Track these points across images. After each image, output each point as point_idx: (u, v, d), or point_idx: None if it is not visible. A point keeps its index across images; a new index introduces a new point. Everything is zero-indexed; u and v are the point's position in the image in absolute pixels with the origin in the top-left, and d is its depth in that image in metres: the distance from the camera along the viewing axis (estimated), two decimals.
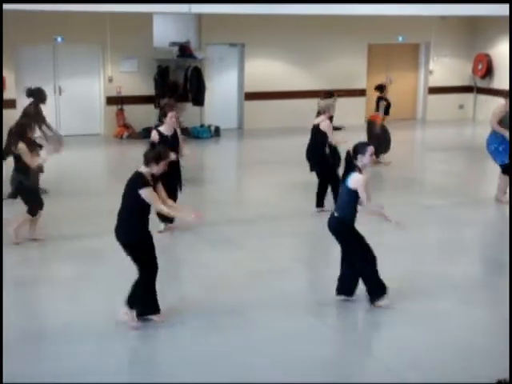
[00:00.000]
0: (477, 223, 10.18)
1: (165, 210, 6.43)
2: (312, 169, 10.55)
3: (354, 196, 6.77)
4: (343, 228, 6.92)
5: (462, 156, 15.27)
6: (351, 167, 6.82)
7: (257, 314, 6.85)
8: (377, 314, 7.02)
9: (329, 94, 11.72)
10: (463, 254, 8.77)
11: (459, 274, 7.99)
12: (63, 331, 6.40)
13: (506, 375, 5.63)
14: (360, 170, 6.79)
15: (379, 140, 13.21)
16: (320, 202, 10.39)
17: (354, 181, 6.74)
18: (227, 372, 5.77)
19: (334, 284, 7.21)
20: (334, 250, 8.41)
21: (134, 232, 6.41)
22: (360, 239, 6.95)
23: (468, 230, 9.90)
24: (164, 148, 6.74)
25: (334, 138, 10.33)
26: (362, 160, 6.78)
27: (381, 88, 13.82)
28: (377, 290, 7.02)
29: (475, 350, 6.22)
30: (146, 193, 6.24)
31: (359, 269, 7.00)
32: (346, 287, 7.12)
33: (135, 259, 6.43)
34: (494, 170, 11.44)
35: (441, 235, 9.56)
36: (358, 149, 6.82)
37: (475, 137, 17.92)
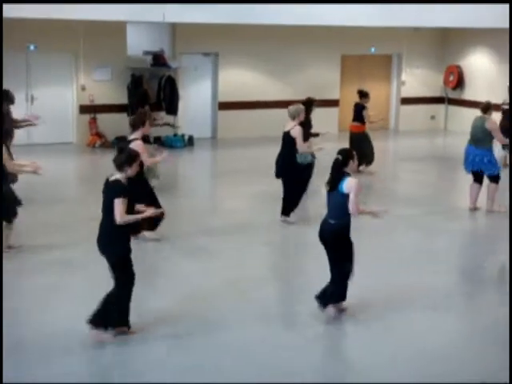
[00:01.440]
0: (448, 232, 10.27)
1: (131, 218, 6.34)
2: (278, 175, 10.42)
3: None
4: (342, 234, 6.93)
5: (433, 166, 15.42)
6: (340, 173, 6.84)
7: (232, 324, 6.84)
8: (349, 323, 7.06)
9: (308, 101, 11.73)
10: (435, 263, 8.82)
11: (430, 283, 8.05)
12: (33, 343, 6.33)
13: (475, 379, 5.69)
14: (349, 175, 6.86)
15: (362, 150, 13.29)
16: (285, 210, 10.33)
17: (351, 185, 6.76)
18: (201, 382, 5.75)
19: (308, 293, 7.23)
20: (309, 259, 8.45)
21: (120, 245, 6.32)
22: (351, 246, 7.00)
23: (440, 239, 9.97)
24: (131, 149, 6.69)
25: (311, 146, 10.33)
26: (352, 166, 6.88)
27: (366, 94, 13.71)
28: (337, 297, 7.06)
29: (445, 357, 6.27)
30: (118, 203, 6.17)
31: (335, 272, 6.99)
32: (323, 293, 7.14)
33: (117, 272, 6.33)
34: (465, 179, 11.56)
35: (413, 244, 9.61)
36: (351, 155, 6.89)
37: (447, 147, 18.15)
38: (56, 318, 6.85)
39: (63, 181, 13.13)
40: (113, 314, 6.36)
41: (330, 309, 7.04)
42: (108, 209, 6.24)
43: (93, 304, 6.39)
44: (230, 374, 5.91)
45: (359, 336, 6.83)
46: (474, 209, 11.17)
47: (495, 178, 10.99)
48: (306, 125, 10.79)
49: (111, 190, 6.26)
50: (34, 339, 6.41)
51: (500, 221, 10.64)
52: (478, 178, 11.09)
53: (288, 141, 10.14)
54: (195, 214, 10.94)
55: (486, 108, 11.07)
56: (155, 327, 6.69)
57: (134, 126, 9.04)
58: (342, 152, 6.97)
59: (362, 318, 7.04)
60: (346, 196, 6.79)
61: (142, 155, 8.82)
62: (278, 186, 10.80)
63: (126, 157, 6.32)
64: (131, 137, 9.00)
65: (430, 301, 7.54)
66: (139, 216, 6.44)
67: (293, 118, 10.19)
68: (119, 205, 6.15)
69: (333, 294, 7.05)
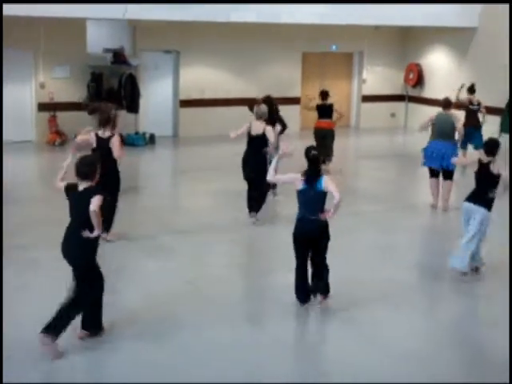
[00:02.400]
0: (409, 229, 10.37)
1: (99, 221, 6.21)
2: (249, 177, 10.31)
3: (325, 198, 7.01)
4: (327, 229, 7.08)
5: (394, 163, 15.56)
6: (319, 171, 6.98)
7: (195, 324, 6.81)
8: (312, 321, 7.10)
9: (269, 99, 11.76)
10: (396, 260, 8.90)
11: (392, 280, 8.11)
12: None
13: (441, 379, 5.75)
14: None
15: (328, 147, 13.51)
16: (257, 209, 10.31)
17: (330, 182, 6.95)
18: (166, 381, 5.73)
19: (272, 291, 7.24)
20: (272, 257, 8.45)
21: (89, 252, 6.21)
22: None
23: (401, 235, 10.06)
24: (93, 154, 6.58)
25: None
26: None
27: (327, 94, 13.73)
28: (328, 287, 7.24)
29: (410, 353, 6.32)
30: (97, 200, 6.02)
31: (325, 264, 7.19)
32: (314, 287, 7.27)
33: (85, 278, 6.21)
34: (425, 176, 11.69)
35: (373, 241, 9.68)
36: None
37: (407, 144, 18.32)
38: (20, 318, 6.76)
39: (22, 180, 12.94)
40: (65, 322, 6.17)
41: (328, 300, 7.21)
42: (78, 216, 6.10)
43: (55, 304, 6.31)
44: (192, 375, 5.88)
45: (322, 334, 6.86)
46: (437, 205, 11.29)
47: (450, 174, 11.16)
48: (274, 123, 10.84)
49: (83, 199, 6.07)
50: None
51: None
52: (435, 174, 11.26)
53: (259, 141, 10.06)
54: (157, 212, 10.87)
55: (449, 104, 11.27)
56: (118, 328, 6.63)
57: (107, 123, 8.99)
58: (315, 149, 7.13)
59: (324, 315, 7.07)
60: (325, 193, 6.95)
61: (119, 150, 8.86)
62: (239, 184, 10.80)
63: (89, 168, 6.17)
64: (106, 134, 8.97)
65: (391, 297, 7.59)
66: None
67: (260, 118, 10.14)
68: (97, 201, 6.01)
69: (327, 286, 7.22)
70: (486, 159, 8.06)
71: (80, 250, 6.18)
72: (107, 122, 9.02)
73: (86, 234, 6.07)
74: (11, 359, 5.92)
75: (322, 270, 7.22)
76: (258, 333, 6.75)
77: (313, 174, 6.98)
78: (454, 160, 9.91)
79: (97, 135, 9.01)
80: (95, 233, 6.09)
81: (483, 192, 8.05)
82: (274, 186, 11.11)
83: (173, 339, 6.48)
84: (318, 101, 13.77)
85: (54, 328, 6.04)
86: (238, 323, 6.88)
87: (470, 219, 8.11)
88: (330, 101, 13.69)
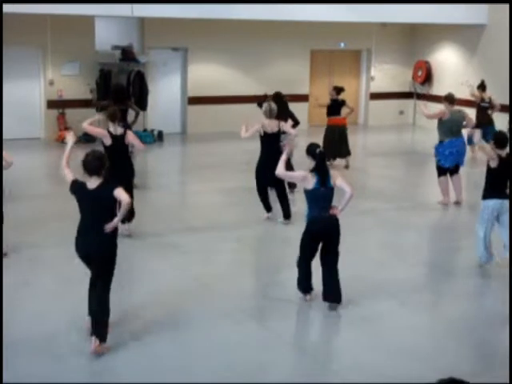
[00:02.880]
0: (417, 227, 10.34)
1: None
2: (271, 181, 9.68)
3: None
4: (339, 224, 7.09)
5: (402, 161, 15.52)
6: (327, 168, 7.01)
7: (201, 320, 6.82)
8: (317, 318, 7.10)
9: (279, 95, 11.81)
10: (403, 258, 8.89)
11: (399, 277, 8.11)
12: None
13: (445, 375, 5.74)
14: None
15: (346, 143, 13.89)
16: (286, 212, 10.10)
17: (338, 177, 7.01)
18: (172, 379, 5.74)
19: (279, 289, 7.23)
20: (279, 255, 8.46)
21: (115, 243, 6.22)
22: None
23: (408, 233, 10.03)
24: (98, 152, 6.53)
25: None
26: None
27: (342, 90, 13.85)
28: (341, 296, 7.22)
29: (415, 351, 6.32)
30: (122, 191, 6.05)
31: (337, 267, 7.15)
32: (334, 293, 7.14)
33: (109, 270, 6.21)
34: (434, 174, 11.66)
35: (381, 239, 9.67)
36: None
37: (415, 142, 18.28)
38: (26, 316, 6.79)
39: (31, 177, 12.97)
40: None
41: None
42: (100, 211, 6.09)
43: (61, 303, 6.33)
44: (198, 371, 5.89)
45: (328, 332, 6.86)
46: (448, 202, 11.26)
47: (459, 168, 11.28)
48: (286, 119, 10.87)
49: (104, 192, 6.07)
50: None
51: (469, 215, 10.77)
52: (446, 172, 11.22)
53: (275, 138, 9.90)
54: (165, 209, 10.89)
55: (454, 100, 11.28)
56: (127, 324, 6.65)
57: (115, 117, 9.12)
58: (319, 146, 7.09)
59: (331, 314, 7.06)
60: (333, 189, 6.98)
61: (141, 143, 9.16)
62: (247, 181, 10.80)
63: (99, 162, 6.14)
64: (118, 131, 9.10)
65: (397, 295, 7.58)
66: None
67: (272, 116, 9.99)
68: (121, 191, 6.04)
69: (340, 295, 7.14)
70: (503, 153, 8.03)
71: (105, 244, 6.14)
72: (115, 116, 9.09)
73: (110, 226, 6.07)
74: (11, 357, 5.95)
75: (334, 275, 7.10)
76: (263, 330, 6.75)
77: (322, 171, 6.95)
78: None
79: (110, 133, 9.06)
80: (115, 220, 6.10)
81: (505, 186, 8.03)
82: (294, 185, 11.01)
83: (179, 335, 6.50)
84: (333, 96, 13.80)
85: (102, 335, 6.09)
86: (244, 320, 6.88)
87: (503, 215, 8.07)
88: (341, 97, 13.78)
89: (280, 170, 7.32)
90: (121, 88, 12.99)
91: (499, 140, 8.08)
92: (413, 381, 5.73)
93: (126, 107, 11.96)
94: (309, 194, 7.01)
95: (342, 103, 13.83)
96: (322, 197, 6.96)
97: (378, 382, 5.76)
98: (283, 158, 7.37)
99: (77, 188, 6.21)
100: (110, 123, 9.09)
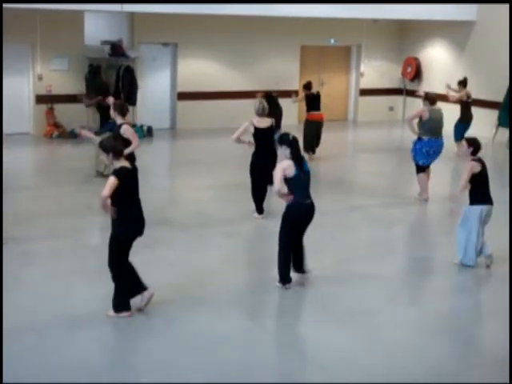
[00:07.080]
0: (404, 223, 10.38)
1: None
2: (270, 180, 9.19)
3: None
4: None
5: (391, 157, 15.56)
6: (300, 153, 7.24)
7: (190, 317, 6.83)
8: (308, 314, 7.11)
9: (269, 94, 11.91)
10: (390, 253, 8.92)
11: (386, 273, 8.12)
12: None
13: (433, 371, 5.77)
14: None
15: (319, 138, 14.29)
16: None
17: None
18: (164, 376, 5.74)
19: (268, 284, 7.25)
20: (268, 251, 8.47)
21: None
22: None
23: (395, 229, 10.07)
24: (113, 135, 6.94)
25: None
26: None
27: (309, 84, 14.33)
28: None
29: (403, 347, 6.34)
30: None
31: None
32: (299, 264, 7.49)
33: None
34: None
35: (369, 235, 9.68)
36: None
37: (404, 138, 18.29)
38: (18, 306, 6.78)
39: (20, 172, 12.92)
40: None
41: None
42: (137, 191, 6.59)
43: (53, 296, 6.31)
44: (189, 368, 5.89)
45: (319, 328, 6.87)
46: (428, 198, 11.33)
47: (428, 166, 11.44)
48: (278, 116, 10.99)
49: (135, 173, 6.67)
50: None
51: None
52: (424, 169, 11.29)
53: (270, 132, 9.96)
54: (155, 205, 10.86)
55: (435, 99, 11.36)
56: (111, 319, 6.65)
57: (122, 112, 9.23)
58: (290, 133, 7.33)
59: (321, 310, 7.09)
60: (310, 173, 7.26)
61: (134, 138, 9.07)
62: (236, 176, 10.80)
63: (120, 143, 6.62)
64: (118, 120, 9.20)
65: (385, 291, 7.61)
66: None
67: (265, 114, 9.99)
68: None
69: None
70: (478, 159, 8.14)
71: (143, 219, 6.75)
72: (122, 111, 9.27)
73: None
74: (10, 355, 5.95)
75: (302, 250, 7.46)
76: (253, 327, 6.76)
77: (299, 156, 7.16)
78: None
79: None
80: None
81: (489, 190, 8.19)
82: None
83: (168, 332, 6.49)
84: (306, 93, 14.11)
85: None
86: (234, 317, 6.89)
87: (487, 217, 8.19)
88: (314, 90, 14.28)
89: (277, 187, 7.18)
90: (100, 83, 13.08)
91: (475, 146, 8.13)
92: (401, 376, 5.76)
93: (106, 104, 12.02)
94: (292, 181, 7.13)
95: (318, 96, 14.20)
96: (304, 182, 7.19)
97: (365, 377, 5.78)
98: (278, 176, 7.16)
99: (126, 173, 6.38)
100: (119, 117, 9.18)
